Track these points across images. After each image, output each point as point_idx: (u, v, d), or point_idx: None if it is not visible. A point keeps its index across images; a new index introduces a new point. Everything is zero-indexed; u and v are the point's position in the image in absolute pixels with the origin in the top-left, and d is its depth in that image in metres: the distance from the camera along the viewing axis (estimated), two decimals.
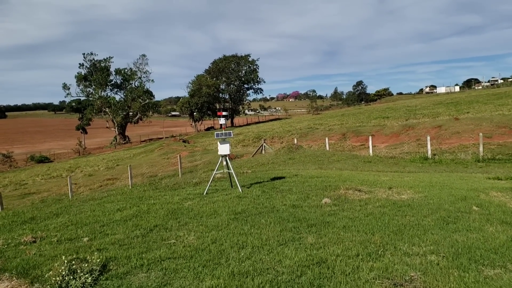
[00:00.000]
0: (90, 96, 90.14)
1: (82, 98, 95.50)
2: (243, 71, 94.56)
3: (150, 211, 8.62)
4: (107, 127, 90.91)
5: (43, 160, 59.45)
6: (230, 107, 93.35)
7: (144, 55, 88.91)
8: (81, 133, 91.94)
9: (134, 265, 5.39)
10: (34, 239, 7.01)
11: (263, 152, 28.92)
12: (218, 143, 10.28)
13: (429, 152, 24.10)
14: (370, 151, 25.64)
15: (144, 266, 5.35)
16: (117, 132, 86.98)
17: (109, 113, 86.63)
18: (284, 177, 12.37)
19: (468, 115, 37.20)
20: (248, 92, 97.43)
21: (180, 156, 25.67)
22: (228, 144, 10.26)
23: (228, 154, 10.36)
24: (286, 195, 9.38)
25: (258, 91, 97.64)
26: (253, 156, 28.29)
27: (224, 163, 10.47)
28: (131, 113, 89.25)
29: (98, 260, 5.37)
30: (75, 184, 30.52)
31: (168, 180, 22.21)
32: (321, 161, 22.93)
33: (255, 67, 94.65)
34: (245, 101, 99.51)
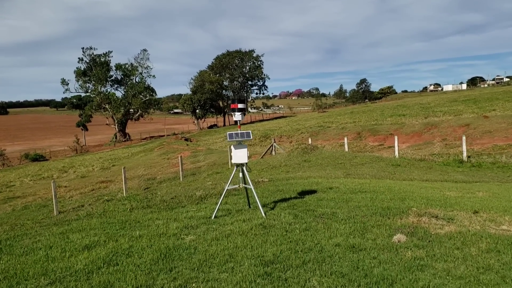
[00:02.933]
0: (89, 92, 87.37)
1: (83, 94, 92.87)
2: (247, 67, 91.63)
3: (133, 252, 5.70)
4: (107, 124, 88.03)
5: (38, 158, 56.60)
6: None
7: (145, 50, 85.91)
8: (82, 130, 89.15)
9: None
10: None
11: (273, 153, 26.01)
12: (232, 147, 7.36)
13: (465, 154, 21.16)
14: (396, 152, 22.69)
15: None
16: (117, 129, 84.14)
17: (109, 110, 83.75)
18: (315, 191, 9.45)
19: (494, 112, 34.18)
20: (252, 89, 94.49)
21: (181, 157, 22.77)
22: (245, 149, 7.35)
23: (246, 163, 7.45)
24: (331, 224, 6.46)
25: (263, 88, 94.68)
26: (262, 157, 25.38)
27: (241, 175, 7.54)
28: (131, 109, 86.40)
29: None
30: (66, 187, 27.68)
31: (166, 188, 19.31)
32: (342, 164, 20.02)
33: (259, 63, 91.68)
34: (249, 98, 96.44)
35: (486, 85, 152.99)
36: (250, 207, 7.99)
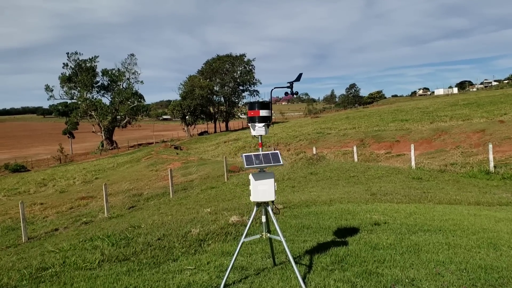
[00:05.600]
0: (75, 98, 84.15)
1: (69, 101, 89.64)
2: (238, 72, 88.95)
3: None
4: (93, 132, 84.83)
5: (19, 169, 53.37)
6: (225, 110, 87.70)
7: (132, 55, 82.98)
8: (68, 137, 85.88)
9: None
10: None
11: None
12: (251, 177, 4.74)
13: (491, 164, 18.79)
14: (413, 162, 20.23)
15: None
16: (103, 137, 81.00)
17: (95, 117, 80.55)
18: (357, 229, 6.88)
19: (506, 117, 31.97)
20: (243, 94, 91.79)
21: (171, 170, 20.08)
22: (272, 180, 4.74)
23: (273, 201, 4.85)
24: None
25: (255, 93, 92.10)
26: None
27: (263, 218, 4.91)
28: (119, 116, 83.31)
29: None
30: (42, 204, 24.81)
31: (154, 210, 16.62)
32: (356, 178, 17.54)
33: (250, 67, 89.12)
34: (241, 103, 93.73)
35: (475, 89, 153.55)
36: (275, 264, 5.36)
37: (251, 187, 4.76)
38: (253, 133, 4.86)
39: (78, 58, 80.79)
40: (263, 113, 4.77)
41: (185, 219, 9.15)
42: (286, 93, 4.92)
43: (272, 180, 4.76)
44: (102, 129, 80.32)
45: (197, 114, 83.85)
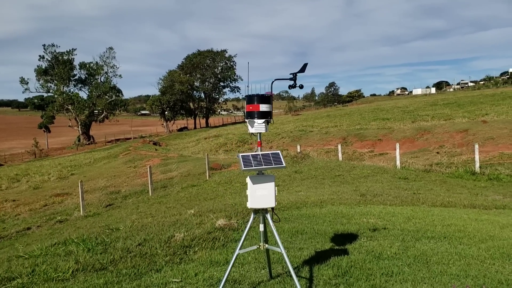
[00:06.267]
0: (51, 91, 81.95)
1: (45, 95, 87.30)
2: (219, 68, 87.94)
3: None
4: (69, 126, 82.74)
5: None
6: (206, 106, 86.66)
7: (111, 48, 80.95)
8: (44, 131, 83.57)
9: None
10: None
11: None
12: (248, 180, 4.17)
13: (477, 165, 18.65)
14: (398, 162, 19.96)
15: None
16: (80, 131, 79.10)
17: (72, 111, 78.51)
18: (356, 235, 6.39)
19: (488, 117, 32.10)
20: (224, 90, 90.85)
21: (150, 167, 19.35)
22: (272, 184, 4.19)
23: (273, 209, 4.30)
24: None
25: (235, 89, 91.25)
26: None
27: (261, 227, 4.34)
28: (96, 111, 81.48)
29: None
30: (14, 201, 23.76)
31: (132, 209, 15.89)
32: (341, 177, 17.15)
33: (232, 63, 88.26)
34: (222, 100, 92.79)
35: (452, 89, 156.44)
36: (272, 277, 4.80)
37: (248, 192, 4.20)
38: (251, 130, 4.30)
39: (55, 51, 78.62)
40: (263, 107, 4.22)
41: (167, 222, 8.51)
42: (290, 86, 4.36)
43: (273, 184, 4.21)
44: (79, 123, 78.45)
45: (176, 109, 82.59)
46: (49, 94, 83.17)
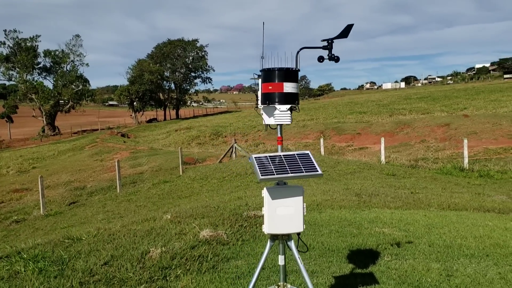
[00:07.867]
0: (13, 80, 78.00)
1: (7, 83, 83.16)
2: (190, 58, 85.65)
3: None
4: (33, 116, 79.01)
5: None
6: (176, 97, 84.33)
7: (78, 36, 77.63)
8: (6, 121, 79.49)
9: None
10: None
11: (233, 155, 21.58)
12: (265, 192, 2.86)
13: (466, 161, 17.92)
14: (383, 157, 19.03)
15: None
16: (45, 122, 75.60)
17: (36, 100, 74.86)
18: (378, 252, 5.18)
19: (467, 111, 31.73)
20: (195, 81, 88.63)
21: (118, 162, 17.76)
22: (299, 200, 2.88)
23: (299, 234, 3.01)
24: None
25: (207, 80, 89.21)
26: (220, 161, 20.86)
27: (281, 260, 3.05)
28: (61, 101, 78.03)
29: None
30: None
31: (99, 207, 14.35)
32: (326, 173, 16.02)
33: (203, 53, 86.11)
34: (193, 91, 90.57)
35: (420, 84, 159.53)
36: None
37: (264, 210, 2.89)
38: (269, 121, 2.95)
39: (17, 37, 74.61)
40: (288, 87, 2.88)
41: (139, 231, 7.09)
42: (320, 58, 3.03)
43: (301, 199, 2.90)
44: (44, 113, 74.97)
45: (145, 100, 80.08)
46: (12, 82, 79.24)
